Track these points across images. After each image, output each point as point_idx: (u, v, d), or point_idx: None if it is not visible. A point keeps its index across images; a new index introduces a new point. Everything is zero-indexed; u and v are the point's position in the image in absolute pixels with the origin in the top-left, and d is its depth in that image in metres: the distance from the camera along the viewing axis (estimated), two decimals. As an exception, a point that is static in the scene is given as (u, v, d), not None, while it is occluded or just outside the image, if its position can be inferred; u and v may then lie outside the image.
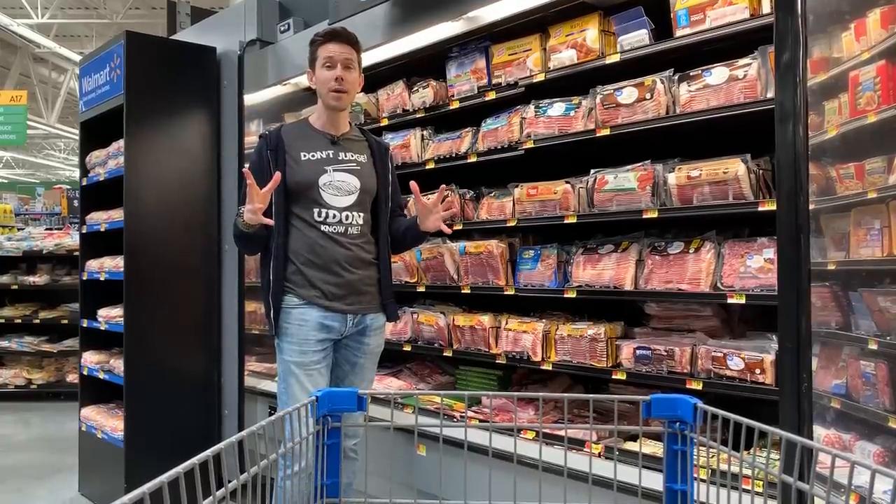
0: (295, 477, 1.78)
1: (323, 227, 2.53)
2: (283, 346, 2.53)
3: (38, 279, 7.02)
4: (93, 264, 4.17)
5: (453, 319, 3.07)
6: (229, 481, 0.99)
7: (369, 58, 3.32)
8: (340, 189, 2.57)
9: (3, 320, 7.04)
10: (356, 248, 2.57)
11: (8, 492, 4.28)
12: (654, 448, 2.30)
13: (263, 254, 2.61)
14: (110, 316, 3.99)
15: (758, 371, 2.15)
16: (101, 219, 4.08)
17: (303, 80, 3.52)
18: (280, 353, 2.56)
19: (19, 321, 7.05)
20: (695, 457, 1.28)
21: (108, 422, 3.94)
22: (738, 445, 1.15)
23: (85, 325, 4.23)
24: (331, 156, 2.60)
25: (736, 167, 2.23)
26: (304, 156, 2.57)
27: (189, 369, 3.91)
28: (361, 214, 2.60)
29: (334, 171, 2.58)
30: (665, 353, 2.38)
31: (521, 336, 2.79)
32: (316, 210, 2.54)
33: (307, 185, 2.54)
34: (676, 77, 2.42)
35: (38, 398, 6.98)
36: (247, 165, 2.67)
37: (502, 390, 3.08)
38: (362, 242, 2.59)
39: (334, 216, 2.55)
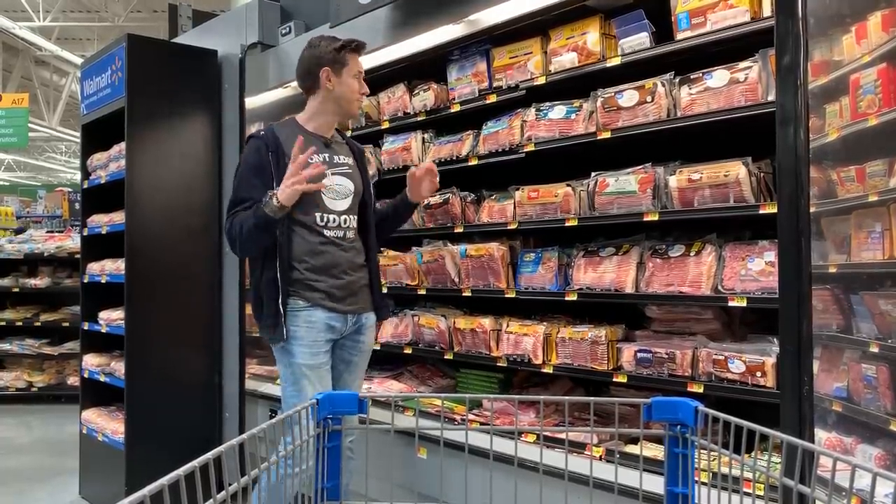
0: (282, 481, 1.75)
1: (326, 232, 2.54)
2: (294, 350, 2.50)
3: (39, 282, 7.02)
4: (94, 267, 4.17)
5: (454, 322, 3.07)
6: (230, 484, 0.99)
7: (370, 60, 3.32)
8: (339, 193, 2.59)
9: (4, 323, 7.04)
10: (352, 252, 2.61)
11: (9, 494, 4.28)
12: (655, 451, 2.30)
13: (264, 258, 2.58)
14: (111, 318, 3.99)
15: (759, 374, 2.15)
16: (103, 221, 4.08)
17: (304, 83, 3.52)
18: (290, 357, 2.51)
19: (20, 324, 7.04)
20: (696, 460, 1.28)
21: (109, 424, 3.94)
22: (740, 448, 1.15)
23: (86, 327, 4.23)
24: (327, 159, 2.60)
25: (737, 170, 2.23)
26: None
27: (190, 372, 3.90)
28: (354, 217, 2.63)
29: (332, 174, 2.59)
30: (666, 356, 2.38)
31: (522, 339, 2.79)
32: (318, 215, 2.55)
33: (310, 190, 2.54)
34: (677, 80, 2.42)
35: (38, 401, 6.97)
36: (240, 169, 2.60)
37: (503, 393, 3.08)
38: (357, 245, 2.64)
39: (334, 220, 2.57)
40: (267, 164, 2.51)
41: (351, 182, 2.63)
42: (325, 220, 2.56)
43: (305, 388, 2.48)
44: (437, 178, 2.85)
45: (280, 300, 2.50)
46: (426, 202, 3.20)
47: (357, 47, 2.63)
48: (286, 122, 2.73)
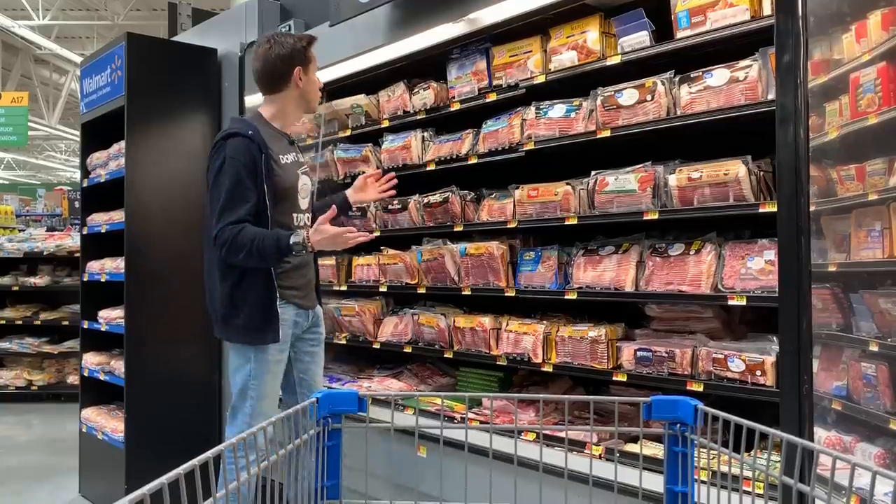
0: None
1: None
2: (268, 346, 2.53)
3: (38, 280, 7.02)
4: (93, 265, 4.17)
5: (454, 321, 3.07)
6: (229, 482, 0.99)
7: (370, 59, 3.32)
8: (306, 192, 2.67)
9: (3, 321, 7.05)
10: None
11: (9, 493, 4.28)
12: (655, 450, 2.30)
13: None
14: (111, 317, 3.99)
15: (758, 373, 2.15)
16: (102, 220, 4.08)
17: (304, 82, 3.52)
18: (261, 353, 2.52)
19: (20, 322, 7.05)
20: (695, 458, 1.28)
21: (109, 423, 3.94)
22: (739, 447, 1.15)
23: (85, 326, 4.23)
24: (295, 158, 2.66)
25: (737, 169, 2.23)
26: (283, 159, 2.58)
27: (189, 370, 3.91)
28: (309, 215, 2.69)
29: (301, 173, 2.65)
30: (666, 355, 2.38)
31: (522, 338, 2.79)
32: (295, 215, 2.61)
33: (291, 190, 2.57)
34: (677, 79, 2.42)
35: (38, 399, 6.98)
36: (229, 168, 2.46)
37: (503, 392, 3.08)
38: None
39: (301, 219, 2.63)
40: (259, 164, 2.46)
41: (310, 181, 2.70)
42: (298, 219, 2.62)
43: (267, 384, 2.54)
44: (388, 190, 2.93)
45: (275, 301, 2.51)
46: (426, 201, 3.20)
47: (311, 43, 2.65)
48: (255, 118, 2.65)
